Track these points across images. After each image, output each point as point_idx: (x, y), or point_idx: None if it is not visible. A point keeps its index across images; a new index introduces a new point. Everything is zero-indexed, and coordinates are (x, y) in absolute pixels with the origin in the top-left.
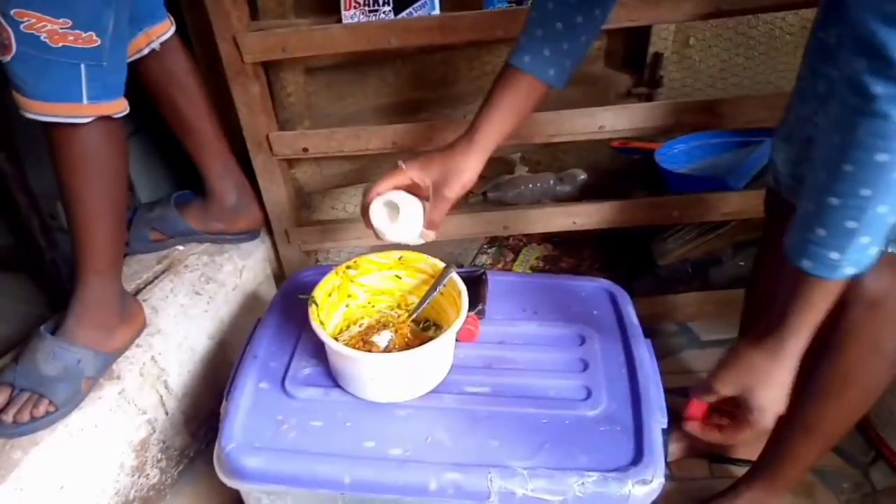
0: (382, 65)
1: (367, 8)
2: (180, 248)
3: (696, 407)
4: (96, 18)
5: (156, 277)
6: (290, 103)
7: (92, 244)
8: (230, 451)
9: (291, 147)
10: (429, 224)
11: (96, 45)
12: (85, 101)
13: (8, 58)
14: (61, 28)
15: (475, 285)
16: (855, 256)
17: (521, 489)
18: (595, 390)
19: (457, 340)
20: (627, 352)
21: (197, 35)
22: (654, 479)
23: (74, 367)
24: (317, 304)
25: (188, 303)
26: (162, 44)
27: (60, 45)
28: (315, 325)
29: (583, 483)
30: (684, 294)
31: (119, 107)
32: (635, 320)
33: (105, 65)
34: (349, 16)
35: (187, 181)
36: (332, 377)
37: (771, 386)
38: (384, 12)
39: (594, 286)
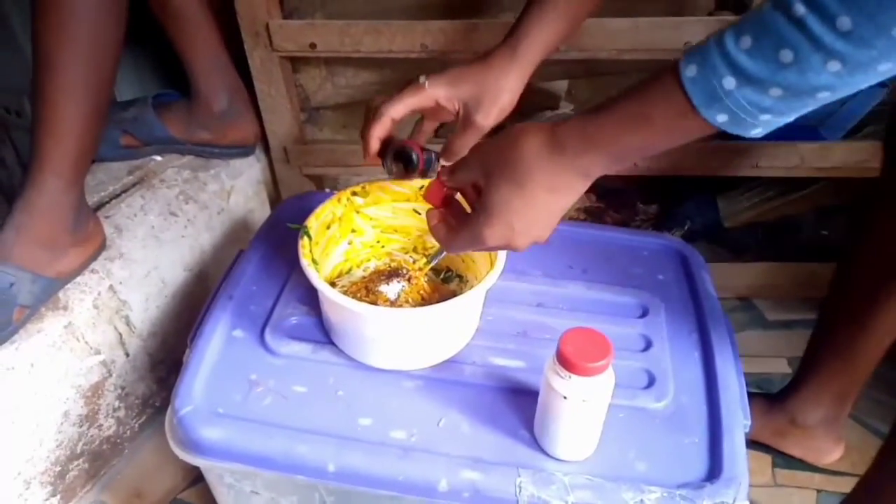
0: None
1: None
2: (157, 158)
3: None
4: None
5: (124, 191)
6: None
7: (58, 135)
8: (185, 415)
9: (296, 41)
10: (447, 154)
11: None
12: None
13: None
14: None
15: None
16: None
17: (559, 500)
18: (660, 377)
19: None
20: (702, 330)
21: None
22: (735, 503)
23: (6, 291)
24: (310, 237)
25: (161, 225)
26: None
27: None
28: (305, 263)
29: (641, 500)
30: (752, 263)
31: None
32: (712, 291)
33: None
34: None
35: (174, 80)
36: (324, 331)
37: (534, 204)
38: None
39: (660, 244)
